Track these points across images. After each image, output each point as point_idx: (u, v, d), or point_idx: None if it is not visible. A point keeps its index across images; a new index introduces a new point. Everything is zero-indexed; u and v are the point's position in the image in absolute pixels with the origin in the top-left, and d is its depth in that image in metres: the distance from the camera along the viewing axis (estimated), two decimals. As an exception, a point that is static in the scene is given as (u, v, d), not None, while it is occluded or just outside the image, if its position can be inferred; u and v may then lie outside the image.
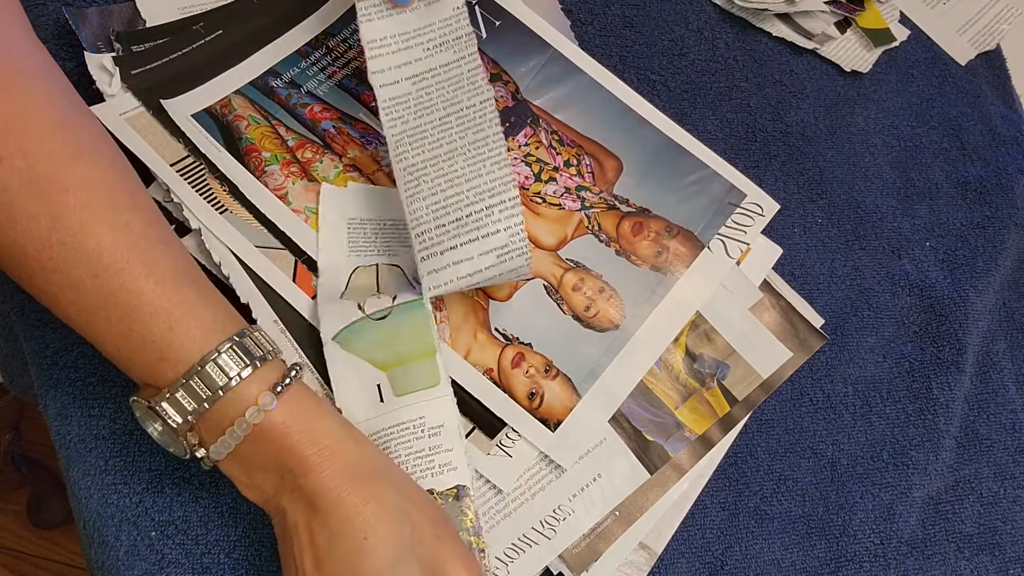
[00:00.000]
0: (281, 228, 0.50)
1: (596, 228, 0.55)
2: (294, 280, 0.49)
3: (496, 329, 0.51)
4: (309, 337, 0.48)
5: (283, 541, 0.41)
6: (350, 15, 0.51)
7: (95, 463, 0.46)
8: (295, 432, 0.39)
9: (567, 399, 0.50)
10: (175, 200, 0.49)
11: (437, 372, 0.47)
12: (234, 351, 0.39)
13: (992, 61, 0.73)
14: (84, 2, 0.55)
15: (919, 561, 0.55)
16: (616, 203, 0.56)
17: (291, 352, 0.47)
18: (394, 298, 0.49)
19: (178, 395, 0.38)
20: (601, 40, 0.63)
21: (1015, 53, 0.74)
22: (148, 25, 0.54)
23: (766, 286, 0.56)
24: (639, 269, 0.54)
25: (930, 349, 0.60)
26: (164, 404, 0.39)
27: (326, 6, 0.57)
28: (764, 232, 0.57)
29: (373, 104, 0.51)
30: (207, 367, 0.38)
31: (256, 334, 0.41)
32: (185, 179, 0.49)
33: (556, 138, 0.57)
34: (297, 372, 0.41)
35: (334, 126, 0.54)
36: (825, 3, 0.68)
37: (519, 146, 0.56)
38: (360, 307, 0.48)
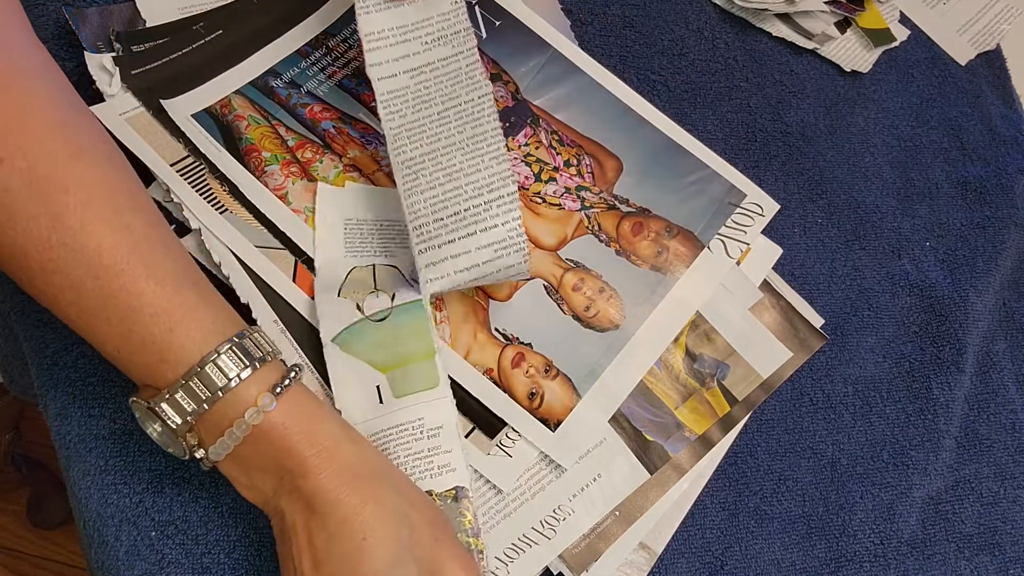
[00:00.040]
0: (281, 228, 0.50)
1: (596, 228, 0.55)
2: (294, 280, 0.49)
3: (496, 329, 0.51)
4: (309, 337, 0.48)
5: (281, 542, 0.41)
6: (350, 15, 0.51)
7: (95, 463, 0.46)
8: (294, 433, 0.39)
9: (567, 399, 0.50)
10: (175, 200, 0.49)
11: (436, 374, 0.47)
12: (234, 352, 0.39)
13: (992, 61, 0.73)
14: (84, 2, 0.55)
15: (919, 561, 0.55)
16: (616, 203, 0.56)
17: (291, 352, 0.47)
18: (392, 298, 0.49)
19: (177, 396, 0.39)
20: (601, 40, 0.63)
21: (1015, 53, 0.74)
22: (148, 25, 0.54)
23: (766, 286, 0.56)
24: (639, 269, 0.54)
25: (930, 349, 0.60)
26: (163, 405, 0.39)
27: (326, 6, 0.57)
28: (764, 232, 0.57)
29: (373, 104, 0.51)
30: (207, 368, 0.38)
31: (256, 335, 0.41)
32: (185, 179, 0.49)
33: (556, 138, 0.57)
34: (296, 373, 0.41)
35: (334, 126, 0.54)
36: (825, 3, 0.68)
37: (519, 146, 0.56)
38: (359, 308, 0.48)
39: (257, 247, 0.49)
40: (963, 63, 0.72)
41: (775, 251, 0.58)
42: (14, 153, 0.37)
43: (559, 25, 0.61)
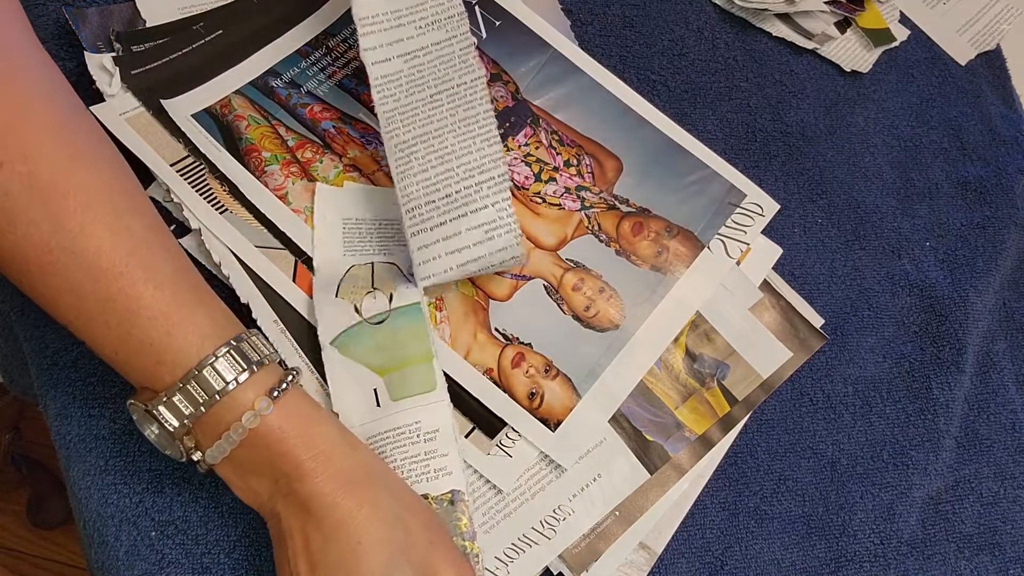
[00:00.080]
0: (281, 228, 0.50)
1: (596, 228, 0.55)
2: (294, 280, 0.49)
3: (496, 329, 0.51)
4: (309, 337, 0.48)
5: (278, 545, 0.41)
6: (350, 15, 0.51)
7: (95, 463, 0.46)
8: (291, 437, 0.39)
9: (567, 399, 0.50)
10: (175, 200, 0.49)
11: (433, 377, 0.47)
12: (231, 356, 0.39)
13: (992, 61, 0.73)
14: (84, 2, 0.55)
15: (919, 561, 0.55)
16: (616, 203, 0.56)
17: (291, 352, 0.47)
18: (390, 299, 0.49)
19: (175, 399, 0.39)
20: (601, 40, 0.63)
21: (1015, 53, 0.74)
22: (148, 25, 0.54)
23: (766, 286, 0.56)
24: (639, 269, 0.54)
25: (930, 349, 0.60)
26: (161, 408, 0.39)
27: (326, 6, 0.57)
28: (764, 232, 0.57)
29: (373, 104, 0.51)
30: (204, 371, 0.38)
31: (253, 339, 0.41)
32: (185, 179, 0.49)
33: (556, 138, 0.57)
34: (294, 377, 0.41)
35: (334, 126, 0.54)
36: (825, 3, 0.68)
37: (519, 146, 0.56)
38: (357, 310, 0.48)
39: (257, 247, 0.49)
40: (963, 63, 0.72)
41: (775, 251, 0.58)
42: (14, 156, 0.37)
43: (559, 25, 0.61)
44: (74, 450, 0.46)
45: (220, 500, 0.46)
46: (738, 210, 0.57)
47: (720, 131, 0.62)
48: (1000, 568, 0.57)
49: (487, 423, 0.48)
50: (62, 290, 0.38)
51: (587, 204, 0.55)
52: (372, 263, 0.50)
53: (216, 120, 0.52)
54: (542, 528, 0.47)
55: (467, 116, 0.50)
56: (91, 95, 0.51)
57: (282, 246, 0.50)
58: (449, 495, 0.45)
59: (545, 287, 0.53)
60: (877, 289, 0.61)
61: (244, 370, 0.39)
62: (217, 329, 0.40)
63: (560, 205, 0.55)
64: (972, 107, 0.70)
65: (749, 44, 0.67)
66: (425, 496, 0.44)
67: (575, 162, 0.56)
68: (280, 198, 0.51)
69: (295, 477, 0.39)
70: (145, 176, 0.49)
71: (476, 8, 0.59)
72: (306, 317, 0.48)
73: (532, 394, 0.49)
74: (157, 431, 0.40)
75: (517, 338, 0.51)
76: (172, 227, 0.49)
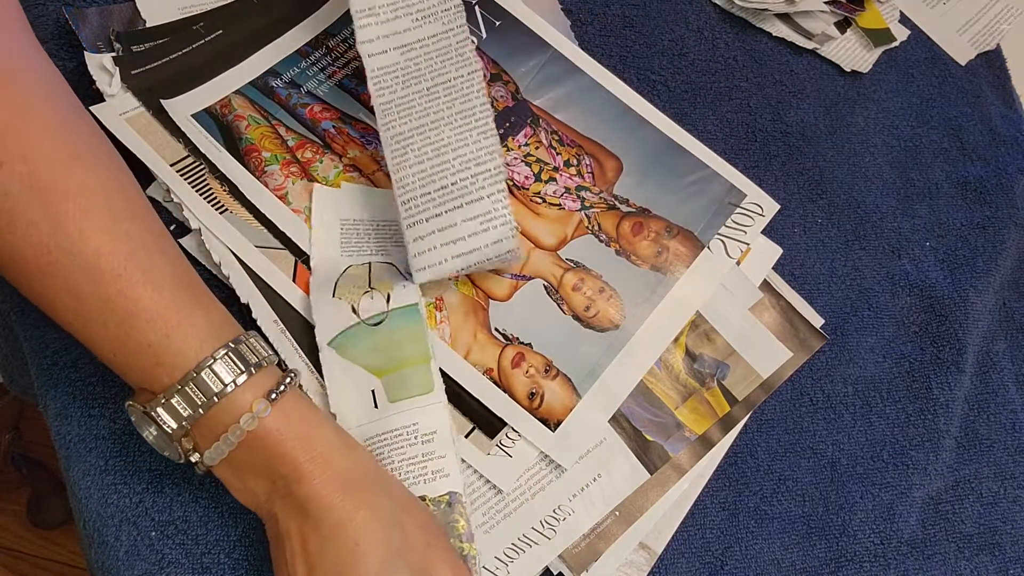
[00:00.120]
0: (281, 228, 0.50)
1: (596, 228, 0.55)
2: (294, 280, 0.49)
3: (496, 329, 0.51)
4: (309, 337, 0.48)
5: (275, 546, 0.41)
6: (350, 16, 0.51)
7: (95, 463, 0.46)
8: (289, 439, 0.39)
9: (567, 399, 0.50)
10: (175, 200, 0.49)
11: (431, 379, 0.47)
12: (229, 358, 0.39)
13: (992, 61, 0.73)
14: (84, 2, 0.55)
15: (919, 561, 0.55)
16: (616, 203, 0.56)
17: (291, 352, 0.47)
18: (388, 299, 0.49)
19: (173, 401, 0.39)
20: (601, 40, 0.63)
21: (1015, 53, 0.74)
22: (148, 25, 0.54)
23: (766, 286, 0.56)
24: (639, 269, 0.54)
25: (930, 349, 0.60)
26: (159, 409, 0.39)
27: (326, 6, 0.57)
28: (764, 232, 0.57)
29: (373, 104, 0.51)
30: (202, 373, 0.38)
31: (252, 341, 0.41)
32: (185, 179, 0.49)
33: (556, 138, 0.57)
34: (292, 379, 0.41)
35: (334, 126, 0.54)
36: (825, 3, 0.68)
37: (519, 146, 0.56)
38: (355, 311, 0.48)
39: (257, 247, 0.49)
40: (963, 63, 0.72)
41: (775, 251, 0.58)
42: (14, 157, 0.37)
43: (559, 25, 0.61)
44: (74, 450, 0.46)
45: (220, 500, 0.46)
46: (738, 210, 0.57)
47: (720, 131, 0.62)
48: (1000, 568, 0.57)
49: (487, 423, 0.48)
50: (61, 291, 0.38)
51: (587, 204, 0.55)
52: (369, 263, 0.50)
53: (216, 120, 0.52)
54: (542, 528, 0.47)
55: (463, 109, 0.50)
56: (91, 95, 0.51)
57: (282, 246, 0.50)
58: (446, 497, 0.45)
59: (545, 287, 0.53)
60: (877, 289, 0.61)
61: (242, 372, 0.39)
62: (215, 331, 0.40)
63: (560, 205, 0.55)
64: (972, 107, 0.70)
65: (749, 44, 0.67)
66: (423, 498, 0.44)
67: (575, 162, 0.56)
68: (280, 198, 0.51)
69: (293, 479, 0.39)
70: (145, 176, 0.49)
71: (476, 8, 0.59)
72: (306, 317, 0.48)
73: (532, 394, 0.49)
74: (155, 432, 0.40)
75: (517, 338, 0.51)
76: (172, 227, 0.49)
